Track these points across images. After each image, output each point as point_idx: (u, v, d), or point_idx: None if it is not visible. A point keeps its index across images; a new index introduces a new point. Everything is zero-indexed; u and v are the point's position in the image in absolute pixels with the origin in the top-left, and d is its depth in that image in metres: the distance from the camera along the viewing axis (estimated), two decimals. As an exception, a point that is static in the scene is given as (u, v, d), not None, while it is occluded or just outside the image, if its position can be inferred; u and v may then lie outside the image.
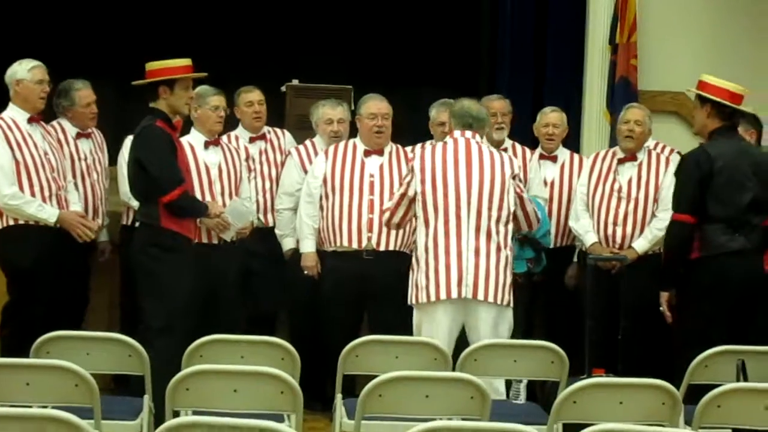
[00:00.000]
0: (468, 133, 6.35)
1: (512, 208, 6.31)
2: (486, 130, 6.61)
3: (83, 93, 7.25)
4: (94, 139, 7.36)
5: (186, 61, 6.37)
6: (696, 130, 6.61)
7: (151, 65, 6.32)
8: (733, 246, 6.28)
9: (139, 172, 6.29)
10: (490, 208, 6.22)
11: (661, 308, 6.50)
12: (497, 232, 6.23)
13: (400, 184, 6.51)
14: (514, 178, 6.32)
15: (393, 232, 7.04)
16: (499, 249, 6.22)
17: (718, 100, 6.32)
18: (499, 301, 6.20)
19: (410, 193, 6.32)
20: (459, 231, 6.19)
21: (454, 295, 6.16)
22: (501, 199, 6.25)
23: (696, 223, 6.31)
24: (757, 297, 6.34)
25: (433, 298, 6.20)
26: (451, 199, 6.21)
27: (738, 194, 6.32)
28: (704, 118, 6.42)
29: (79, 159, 7.18)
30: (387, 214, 6.49)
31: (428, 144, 6.63)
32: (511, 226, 6.33)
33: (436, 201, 6.23)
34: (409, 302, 6.35)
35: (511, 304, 6.29)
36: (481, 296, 6.17)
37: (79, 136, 7.24)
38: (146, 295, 6.28)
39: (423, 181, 6.26)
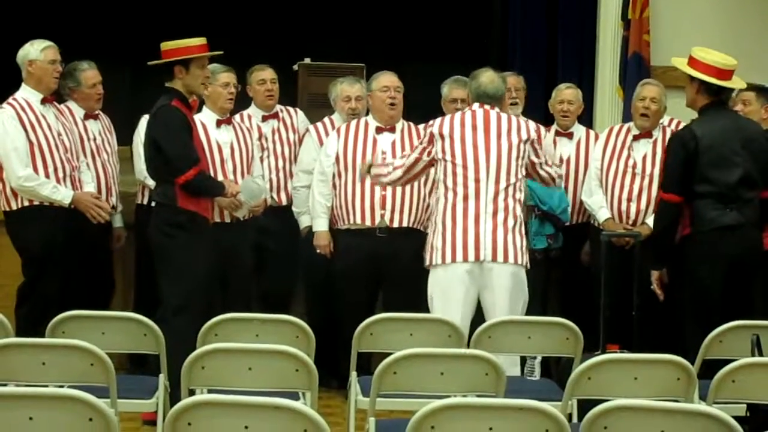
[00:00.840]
0: (486, 107, 6.42)
1: (524, 173, 6.40)
2: (504, 103, 6.66)
3: (89, 74, 7.25)
4: (102, 121, 7.37)
5: (201, 41, 6.34)
6: (687, 104, 6.62)
7: (167, 45, 6.30)
8: (724, 221, 6.31)
9: (155, 152, 6.29)
10: (508, 173, 6.30)
11: (651, 287, 6.54)
12: (514, 197, 6.31)
13: (412, 149, 6.59)
14: (531, 143, 6.38)
15: (406, 210, 7.06)
16: (515, 212, 6.30)
17: (705, 78, 6.33)
18: (519, 262, 6.27)
19: (424, 157, 6.40)
20: (477, 195, 6.27)
21: (471, 258, 6.24)
22: (518, 165, 6.34)
23: (682, 202, 6.35)
24: (753, 271, 6.36)
25: (449, 260, 6.26)
26: (470, 164, 6.29)
27: (726, 171, 6.33)
28: (693, 94, 6.47)
29: (89, 139, 7.19)
30: (399, 173, 6.54)
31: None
32: (525, 189, 6.45)
33: (455, 166, 6.31)
34: (425, 265, 6.41)
35: (528, 266, 6.36)
36: (500, 258, 6.23)
37: (86, 117, 7.24)
38: (164, 274, 6.28)
39: (443, 147, 6.34)
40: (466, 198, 6.28)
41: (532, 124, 6.56)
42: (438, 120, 6.49)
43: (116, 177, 7.34)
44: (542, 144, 6.64)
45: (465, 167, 6.30)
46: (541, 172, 6.52)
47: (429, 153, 6.42)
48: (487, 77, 6.49)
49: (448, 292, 6.28)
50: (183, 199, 6.23)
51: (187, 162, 6.21)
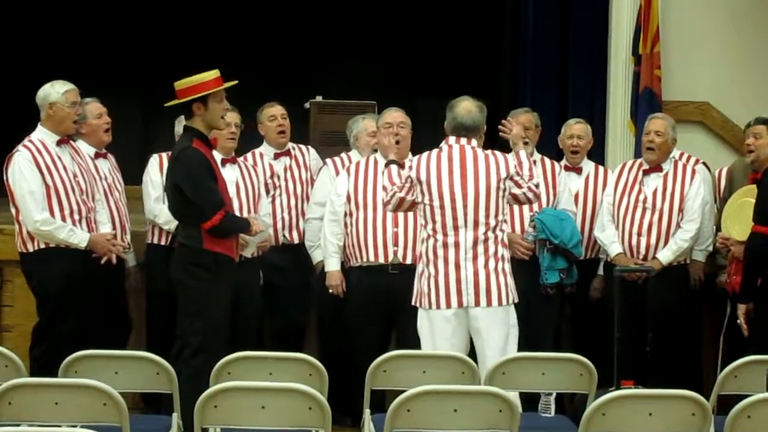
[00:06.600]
0: (462, 140, 6.33)
1: (506, 210, 6.35)
2: (481, 132, 6.46)
3: (93, 105, 7.20)
4: (110, 160, 7.35)
5: (215, 74, 6.22)
6: None
7: (181, 84, 6.20)
8: None
9: (179, 197, 6.21)
10: (487, 216, 6.23)
11: (738, 321, 6.48)
12: (495, 239, 6.25)
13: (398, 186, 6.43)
14: (510, 178, 6.29)
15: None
16: (496, 253, 6.25)
17: None
18: (503, 303, 6.24)
19: (408, 198, 6.32)
20: (457, 242, 6.22)
21: (454, 305, 6.22)
22: (497, 205, 6.26)
23: None
24: None
25: (434, 306, 6.25)
26: (447, 211, 6.23)
27: None
28: None
29: (101, 178, 7.17)
30: (390, 207, 6.46)
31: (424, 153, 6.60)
32: (507, 226, 6.36)
33: (433, 212, 6.25)
34: (412, 303, 6.39)
35: (516, 300, 6.32)
36: (483, 303, 6.21)
37: (97, 156, 7.22)
38: (186, 313, 6.22)
39: (422, 191, 6.29)
40: (445, 245, 6.23)
41: (510, 158, 6.40)
42: (415, 161, 6.37)
43: (128, 215, 7.34)
44: (522, 169, 6.47)
45: (443, 215, 6.23)
46: (522, 199, 6.39)
47: (411, 193, 6.33)
48: (464, 107, 6.36)
49: (435, 333, 6.26)
50: (208, 241, 6.16)
51: (212, 208, 6.14)
